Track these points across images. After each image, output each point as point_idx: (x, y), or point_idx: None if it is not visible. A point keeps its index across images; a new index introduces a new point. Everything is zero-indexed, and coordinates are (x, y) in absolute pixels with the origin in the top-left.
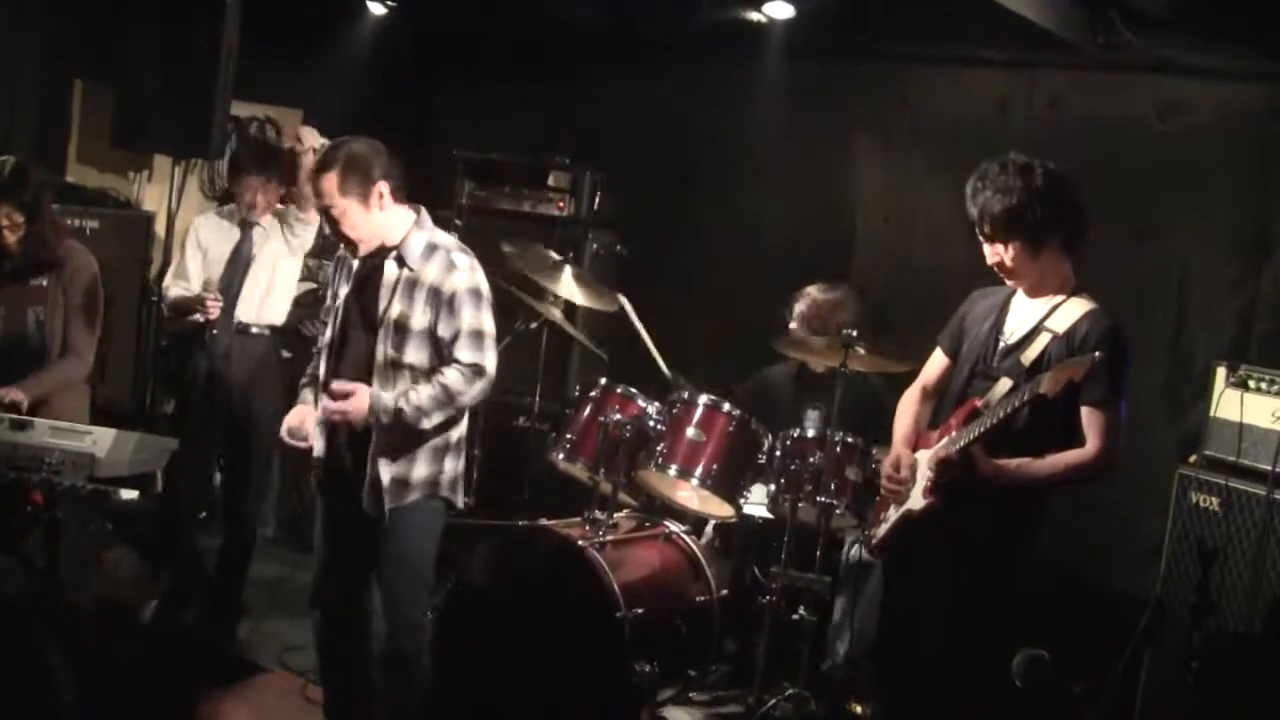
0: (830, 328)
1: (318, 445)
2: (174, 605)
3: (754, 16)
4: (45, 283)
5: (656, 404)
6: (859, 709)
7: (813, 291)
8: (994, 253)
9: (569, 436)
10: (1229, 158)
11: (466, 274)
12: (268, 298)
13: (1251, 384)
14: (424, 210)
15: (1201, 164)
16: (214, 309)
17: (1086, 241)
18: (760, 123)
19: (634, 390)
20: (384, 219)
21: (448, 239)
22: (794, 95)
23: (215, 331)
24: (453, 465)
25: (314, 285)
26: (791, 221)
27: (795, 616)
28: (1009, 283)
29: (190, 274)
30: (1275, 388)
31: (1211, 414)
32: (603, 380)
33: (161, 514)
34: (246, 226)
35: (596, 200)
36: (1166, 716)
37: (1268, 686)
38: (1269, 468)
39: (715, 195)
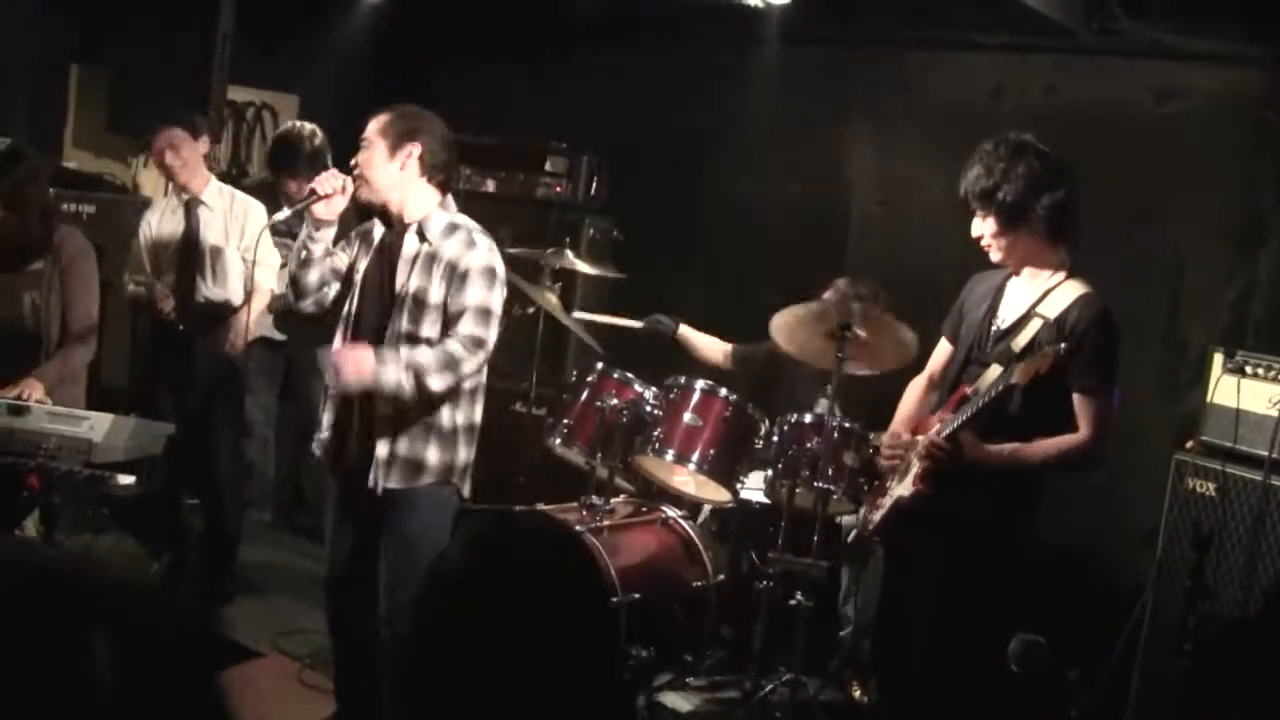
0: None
1: (325, 420)
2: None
3: (750, 1)
4: (41, 267)
5: (653, 388)
6: (857, 693)
7: (843, 285)
8: (976, 226)
9: (566, 421)
10: (1225, 143)
11: (484, 253)
12: (223, 277)
13: (1248, 370)
14: (450, 197)
15: (1197, 149)
16: (164, 302)
17: (1074, 227)
18: (756, 107)
19: (630, 375)
20: (401, 179)
21: (471, 222)
22: (789, 79)
23: (175, 316)
24: (466, 452)
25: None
26: (787, 205)
27: (792, 602)
28: (993, 258)
29: (145, 267)
30: (1272, 373)
31: (1208, 400)
32: (599, 365)
33: (155, 498)
34: (192, 207)
35: (593, 185)
36: (1161, 701)
37: (1262, 671)
38: (1265, 453)
39: (711, 179)
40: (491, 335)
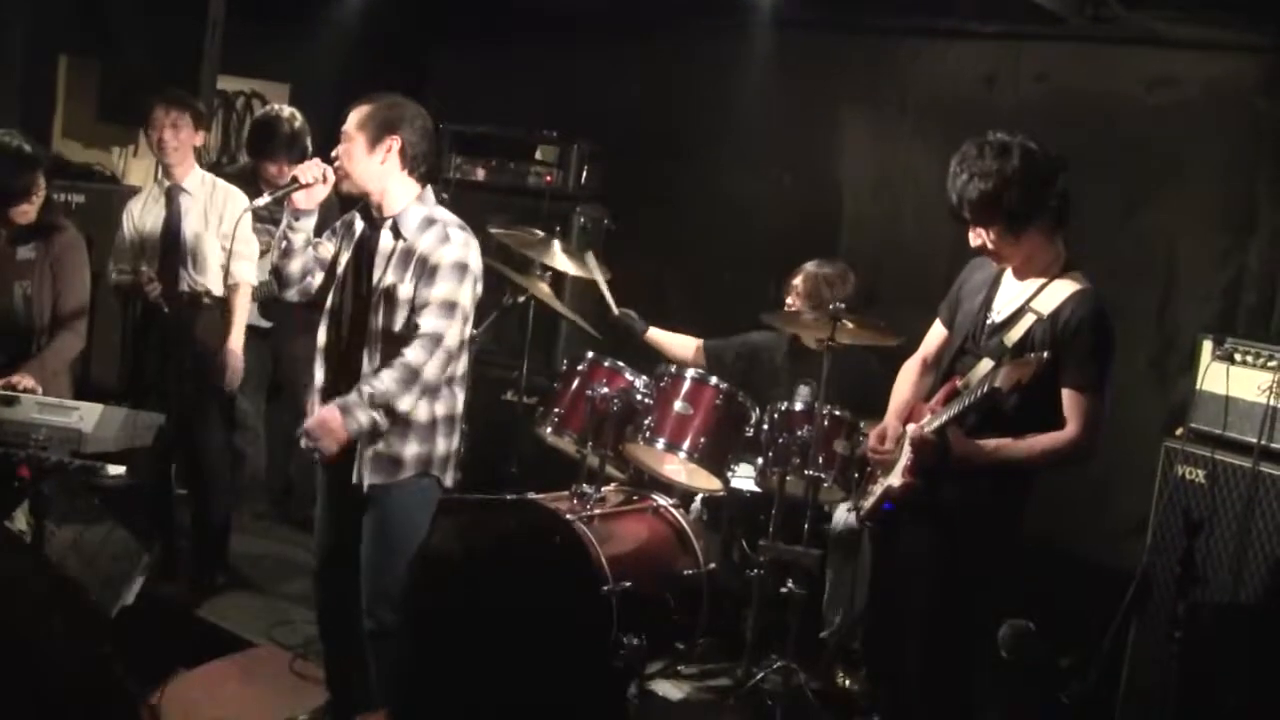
0: (828, 303)
1: (311, 413)
2: (161, 580)
3: None
4: (33, 256)
5: (644, 377)
6: (846, 681)
7: (810, 268)
8: (976, 235)
9: (556, 410)
10: (1217, 131)
11: (458, 248)
12: (203, 265)
13: (1238, 357)
14: (430, 189)
15: (1190, 138)
16: (150, 286)
17: (1070, 218)
18: (748, 96)
19: (621, 363)
20: (381, 173)
21: (448, 216)
22: (782, 68)
23: (161, 302)
24: (445, 443)
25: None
26: (779, 195)
27: (783, 589)
28: (996, 263)
29: (128, 256)
30: (1261, 361)
31: (1198, 387)
32: (590, 353)
33: (146, 488)
34: (173, 194)
35: (584, 174)
36: (1151, 687)
37: (1252, 657)
38: (1254, 440)
39: (703, 169)
40: (454, 329)
